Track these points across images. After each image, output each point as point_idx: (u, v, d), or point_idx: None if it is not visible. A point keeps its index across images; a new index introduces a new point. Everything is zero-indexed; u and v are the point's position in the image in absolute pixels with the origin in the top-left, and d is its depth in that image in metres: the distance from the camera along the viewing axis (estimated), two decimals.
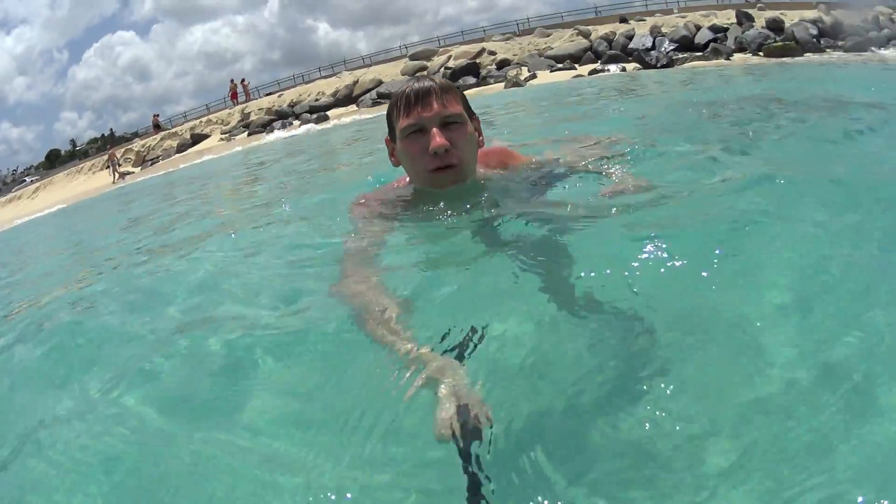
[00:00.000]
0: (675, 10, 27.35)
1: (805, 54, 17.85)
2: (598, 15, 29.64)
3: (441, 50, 26.99)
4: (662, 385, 1.16)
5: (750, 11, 22.28)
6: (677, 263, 1.47)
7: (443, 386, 1.09)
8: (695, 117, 4.50)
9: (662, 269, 1.46)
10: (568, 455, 1.07)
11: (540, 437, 1.10)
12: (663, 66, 17.99)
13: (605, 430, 1.11)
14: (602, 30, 23.78)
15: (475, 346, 1.29)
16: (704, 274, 1.45)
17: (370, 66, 30.68)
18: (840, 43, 19.41)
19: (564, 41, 23.51)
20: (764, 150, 2.78)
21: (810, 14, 22.44)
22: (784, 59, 17.02)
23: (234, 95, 31.97)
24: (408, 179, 2.03)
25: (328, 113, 22.64)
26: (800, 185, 2.02)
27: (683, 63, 18.19)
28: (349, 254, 1.82)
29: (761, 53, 18.37)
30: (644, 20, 24.70)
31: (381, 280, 1.61)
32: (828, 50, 18.83)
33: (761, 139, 3.05)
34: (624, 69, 18.62)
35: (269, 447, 1.26)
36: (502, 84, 18.56)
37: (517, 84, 18.41)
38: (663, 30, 21.84)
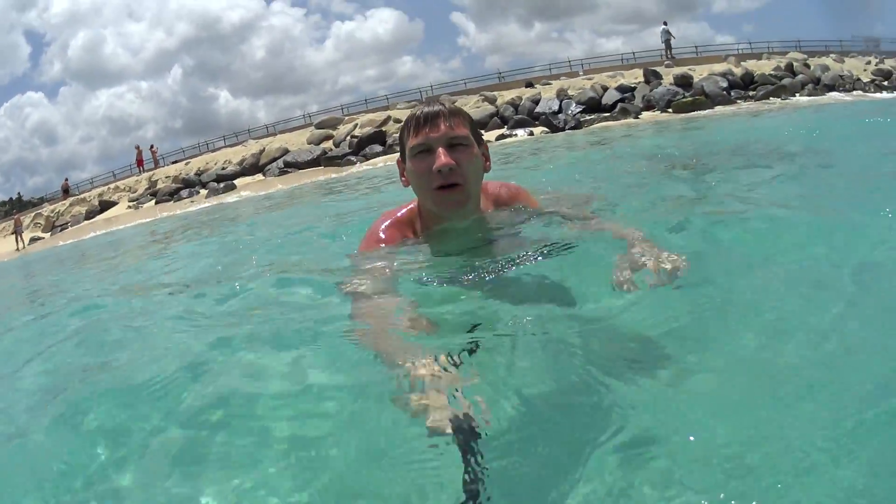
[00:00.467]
0: (581, 73, 27.11)
1: (716, 107, 17.58)
2: (502, 80, 29.41)
3: (347, 118, 26.22)
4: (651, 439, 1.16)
5: (658, 69, 21.93)
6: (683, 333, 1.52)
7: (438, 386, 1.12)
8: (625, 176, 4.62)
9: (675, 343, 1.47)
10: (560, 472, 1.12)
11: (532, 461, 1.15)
12: (572, 129, 17.26)
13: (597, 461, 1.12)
14: (508, 95, 23.16)
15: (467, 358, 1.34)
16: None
17: (275, 134, 29.72)
18: (751, 93, 19.09)
19: (470, 107, 22.67)
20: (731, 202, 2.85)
21: (720, 67, 22.25)
22: (694, 113, 16.78)
23: (140, 162, 30.91)
24: (412, 206, 2.10)
25: (235, 182, 21.67)
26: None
27: (592, 124, 17.61)
28: (360, 293, 1.81)
29: (670, 110, 17.98)
30: (550, 84, 24.27)
31: (393, 317, 1.65)
32: (738, 101, 18.63)
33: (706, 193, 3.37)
34: (532, 133, 18.11)
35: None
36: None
37: None
38: (570, 92, 21.33)
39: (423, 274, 1.91)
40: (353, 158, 19.41)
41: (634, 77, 22.18)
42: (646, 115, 17.99)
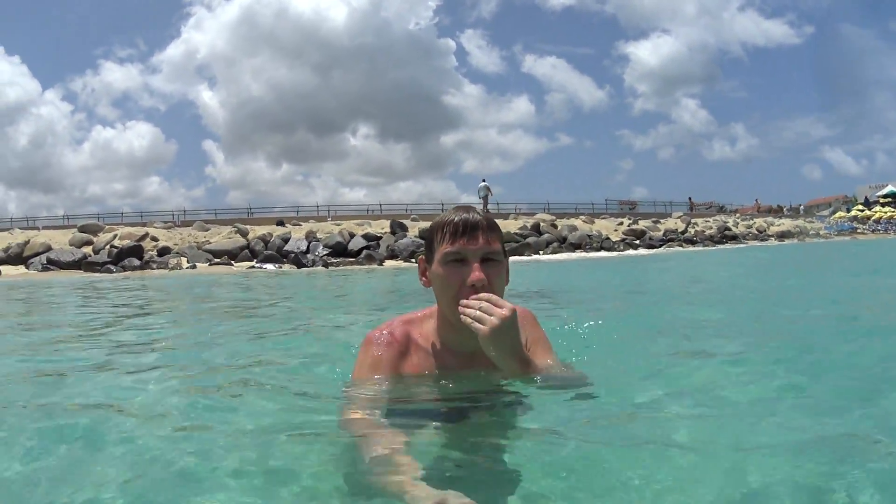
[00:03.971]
0: (329, 218, 28.23)
1: None
2: (251, 215, 29.76)
3: (107, 227, 25.62)
4: None
5: (404, 222, 23.30)
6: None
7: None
8: None
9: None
10: None
11: None
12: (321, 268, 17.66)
13: None
14: (260, 230, 23.38)
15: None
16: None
17: (39, 228, 29.95)
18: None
19: (223, 237, 22.70)
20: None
21: None
22: None
23: None
24: (423, 313, 2.08)
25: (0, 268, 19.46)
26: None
27: (338, 266, 18.32)
28: (355, 398, 1.92)
29: (413, 260, 18.94)
30: (300, 225, 24.99)
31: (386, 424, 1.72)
32: None
33: None
34: (281, 267, 18.44)
35: None
36: (166, 270, 17.84)
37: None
38: (318, 235, 22.05)
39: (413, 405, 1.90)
40: (112, 268, 18.42)
41: (381, 227, 23.58)
42: (388, 263, 19.02)
